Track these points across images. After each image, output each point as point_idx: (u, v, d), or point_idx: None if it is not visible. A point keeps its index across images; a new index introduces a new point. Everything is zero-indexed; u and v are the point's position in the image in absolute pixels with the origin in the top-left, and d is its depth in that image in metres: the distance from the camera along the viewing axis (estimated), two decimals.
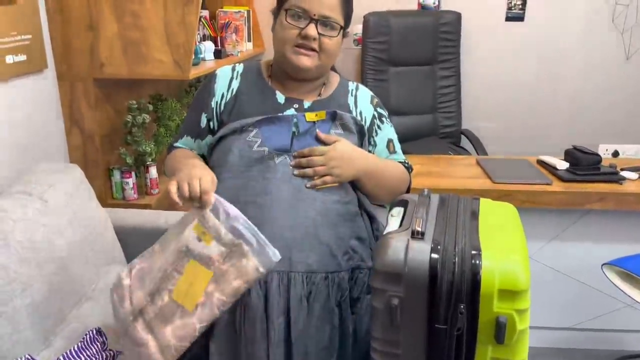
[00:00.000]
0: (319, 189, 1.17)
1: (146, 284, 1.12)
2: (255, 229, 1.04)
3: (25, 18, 1.78)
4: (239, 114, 1.23)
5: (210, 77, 1.31)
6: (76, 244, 1.55)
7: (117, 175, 2.17)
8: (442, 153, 2.72)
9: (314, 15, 1.16)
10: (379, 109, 1.33)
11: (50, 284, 1.39)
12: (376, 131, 1.31)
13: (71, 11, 1.95)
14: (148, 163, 2.21)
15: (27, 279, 1.32)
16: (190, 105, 1.37)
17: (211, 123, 1.29)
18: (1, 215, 1.36)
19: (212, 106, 1.27)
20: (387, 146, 1.33)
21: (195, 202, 1.07)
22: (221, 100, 1.27)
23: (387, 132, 1.33)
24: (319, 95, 1.27)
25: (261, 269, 1.03)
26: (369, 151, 1.30)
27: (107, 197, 2.18)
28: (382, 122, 1.32)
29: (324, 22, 1.17)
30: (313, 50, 1.18)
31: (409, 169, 1.36)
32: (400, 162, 1.34)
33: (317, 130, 1.20)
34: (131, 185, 2.17)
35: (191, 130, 1.33)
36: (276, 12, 1.24)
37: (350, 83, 1.34)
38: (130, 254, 1.84)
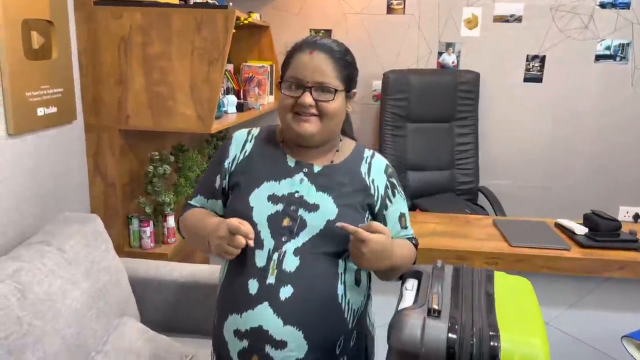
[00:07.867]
0: None
1: None
2: None
3: (58, 72, 1.85)
4: (249, 174, 1.26)
5: (228, 140, 1.35)
6: (90, 296, 1.56)
7: (135, 224, 2.20)
8: (458, 210, 2.71)
9: (307, 83, 1.18)
10: (392, 179, 1.31)
11: (62, 338, 1.39)
12: (387, 205, 1.28)
13: (103, 67, 2.03)
14: (166, 213, 2.24)
15: (40, 332, 1.32)
16: (208, 165, 1.41)
17: (223, 182, 1.31)
18: (21, 266, 1.38)
19: (225, 167, 1.30)
20: (399, 220, 1.30)
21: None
22: (233, 161, 1.30)
23: (399, 205, 1.30)
24: (332, 161, 1.27)
25: None
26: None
27: (124, 245, 2.20)
28: (394, 194, 1.29)
29: (318, 88, 1.18)
30: (313, 115, 1.19)
31: (416, 245, 1.34)
32: (408, 238, 1.32)
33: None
34: (148, 234, 2.20)
35: (205, 190, 1.35)
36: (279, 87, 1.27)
37: (366, 150, 1.33)
38: (143, 306, 1.84)
